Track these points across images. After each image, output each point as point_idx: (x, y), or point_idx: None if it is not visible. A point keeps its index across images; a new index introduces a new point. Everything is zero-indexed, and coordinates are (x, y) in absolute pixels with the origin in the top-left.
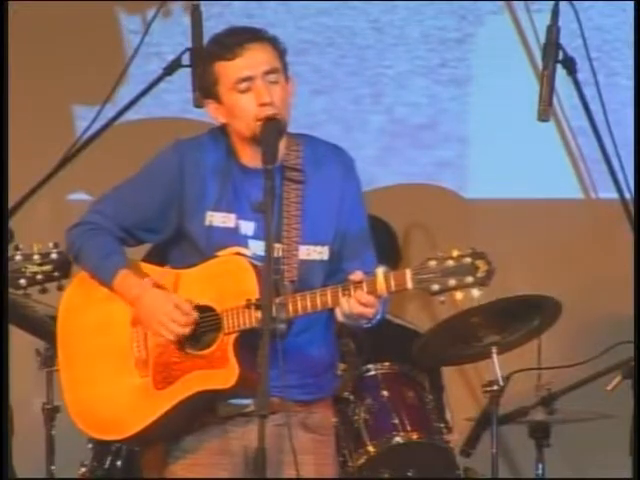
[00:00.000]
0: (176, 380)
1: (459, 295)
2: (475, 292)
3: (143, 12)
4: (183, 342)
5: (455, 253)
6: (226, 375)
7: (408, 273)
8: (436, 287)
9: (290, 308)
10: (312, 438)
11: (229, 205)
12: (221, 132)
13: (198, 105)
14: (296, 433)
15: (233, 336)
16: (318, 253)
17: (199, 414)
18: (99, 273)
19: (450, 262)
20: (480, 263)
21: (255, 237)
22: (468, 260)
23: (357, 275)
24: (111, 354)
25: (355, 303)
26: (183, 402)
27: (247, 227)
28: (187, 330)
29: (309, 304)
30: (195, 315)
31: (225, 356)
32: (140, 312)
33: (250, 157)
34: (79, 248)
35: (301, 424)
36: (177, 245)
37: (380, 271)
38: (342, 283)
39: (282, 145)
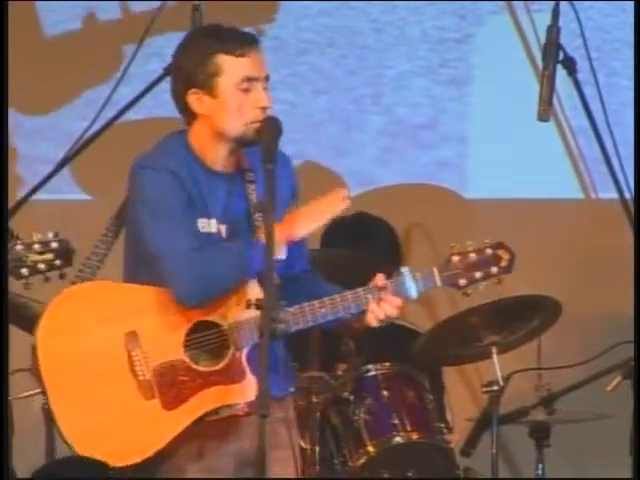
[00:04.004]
0: (188, 398)
1: (482, 286)
2: (503, 279)
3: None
4: (188, 357)
5: (474, 246)
6: (244, 389)
7: (436, 272)
8: (464, 282)
9: (308, 317)
10: (288, 433)
11: (207, 210)
12: (182, 137)
13: None
14: (277, 429)
15: (245, 349)
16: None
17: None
18: (240, 263)
19: (473, 255)
20: (502, 252)
21: (228, 240)
22: (490, 251)
23: (380, 279)
24: (110, 380)
25: (389, 307)
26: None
27: (222, 231)
28: None
29: (330, 310)
30: None
31: (240, 369)
32: (307, 216)
33: (216, 160)
34: (205, 273)
35: (280, 419)
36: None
37: (407, 271)
38: (364, 288)
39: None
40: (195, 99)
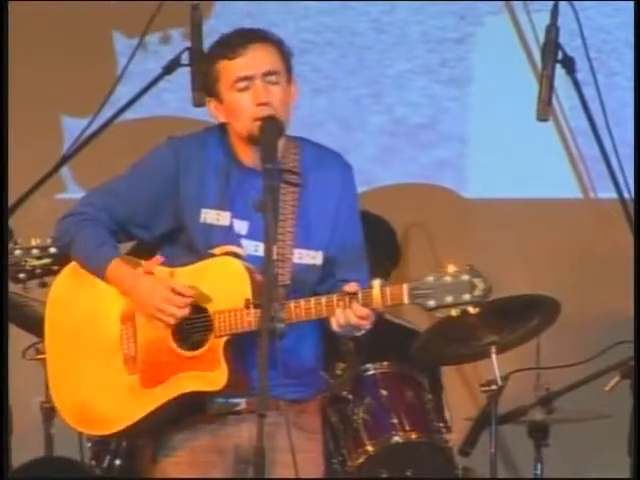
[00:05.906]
0: (165, 379)
1: (454, 312)
2: (471, 309)
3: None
4: (174, 340)
5: (453, 269)
6: (216, 378)
7: (405, 288)
8: (432, 303)
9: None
10: (302, 437)
11: (224, 203)
12: (220, 130)
13: (197, 104)
14: (277, 431)
15: (224, 339)
16: (311, 257)
17: (187, 412)
18: (91, 263)
19: (447, 279)
20: (478, 281)
21: (248, 237)
22: (466, 277)
23: (352, 286)
24: (99, 349)
25: (352, 315)
26: (171, 401)
27: (241, 226)
28: (186, 312)
29: (303, 312)
30: (191, 295)
31: (216, 358)
32: (136, 300)
33: (249, 157)
34: (71, 238)
35: (291, 423)
36: (169, 244)
37: (376, 284)
38: (336, 292)
39: (280, 147)
40: (213, 107)
